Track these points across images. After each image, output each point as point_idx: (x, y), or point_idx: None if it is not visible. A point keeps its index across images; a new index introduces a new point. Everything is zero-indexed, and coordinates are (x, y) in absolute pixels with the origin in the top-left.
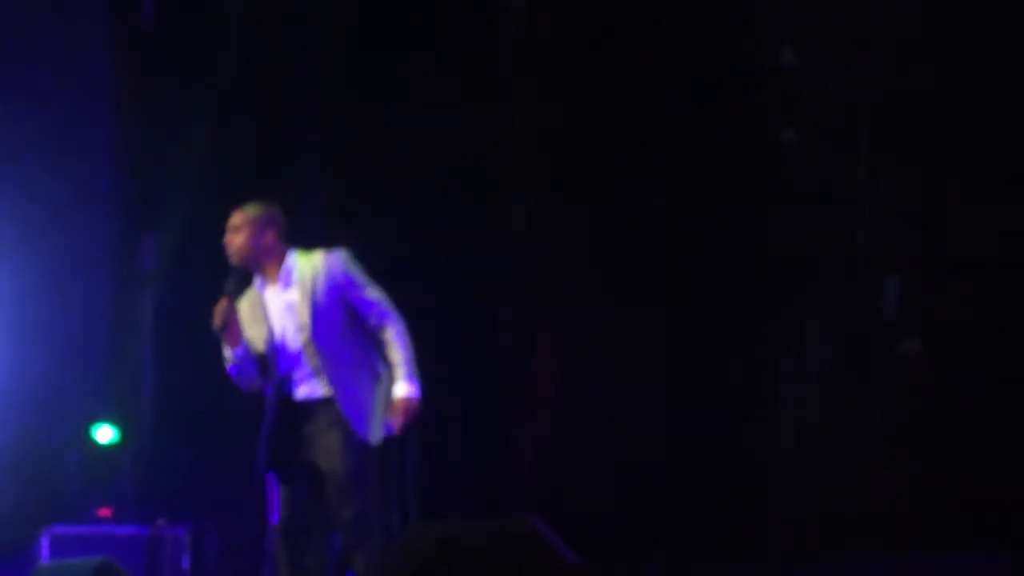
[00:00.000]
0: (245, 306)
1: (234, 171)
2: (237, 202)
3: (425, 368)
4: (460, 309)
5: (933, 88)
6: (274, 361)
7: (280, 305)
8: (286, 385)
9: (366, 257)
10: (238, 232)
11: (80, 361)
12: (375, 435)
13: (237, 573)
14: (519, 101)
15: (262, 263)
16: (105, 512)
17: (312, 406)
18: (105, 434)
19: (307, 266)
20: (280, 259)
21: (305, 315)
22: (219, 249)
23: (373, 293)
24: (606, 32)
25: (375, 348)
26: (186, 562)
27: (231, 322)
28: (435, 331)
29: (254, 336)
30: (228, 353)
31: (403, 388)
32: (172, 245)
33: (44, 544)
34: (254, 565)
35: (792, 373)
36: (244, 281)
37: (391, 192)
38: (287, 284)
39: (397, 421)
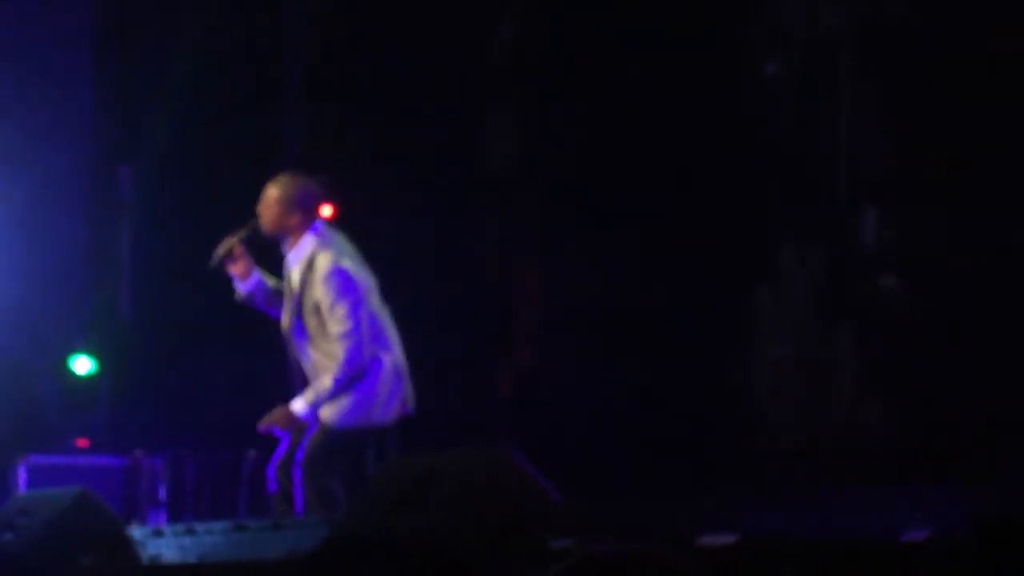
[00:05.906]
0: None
1: (213, 103)
2: (215, 135)
3: (405, 295)
4: (437, 237)
5: (918, 16)
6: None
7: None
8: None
9: (346, 190)
10: (268, 208)
11: (57, 292)
12: (338, 419)
13: (213, 502)
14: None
15: (287, 238)
16: (82, 442)
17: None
18: (83, 365)
19: (308, 260)
20: (299, 237)
21: (289, 310)
22: (196, 181)
23: (337, 328)
24: None
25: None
26: (163, 492)
27: (233, 258)
28: (414, 261)
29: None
30: (238, 288)
31: (298, 404)
32: (150, 176)
33: (21, 473)
34: (230, 494)
35: (769, 306)
36: (257, 232)
37: (371, 129)
38: (291, 264)
39: (270, 422)
